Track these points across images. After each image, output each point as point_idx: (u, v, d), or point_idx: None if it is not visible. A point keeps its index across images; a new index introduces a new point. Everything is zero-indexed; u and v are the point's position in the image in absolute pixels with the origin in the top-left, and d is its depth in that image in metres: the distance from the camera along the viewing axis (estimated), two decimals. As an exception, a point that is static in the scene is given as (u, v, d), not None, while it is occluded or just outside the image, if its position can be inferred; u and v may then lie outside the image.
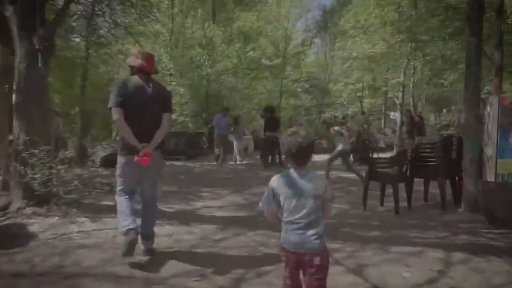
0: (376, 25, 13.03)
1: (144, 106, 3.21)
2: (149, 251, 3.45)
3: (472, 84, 5.02)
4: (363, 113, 16.98)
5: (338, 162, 12.87)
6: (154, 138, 3.22)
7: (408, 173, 5.38)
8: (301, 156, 1.99)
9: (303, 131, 2.11)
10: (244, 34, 17.76)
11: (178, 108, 17.03)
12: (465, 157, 5.13)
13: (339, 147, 7.68)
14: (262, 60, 15.97)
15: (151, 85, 3.29)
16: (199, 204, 5.84)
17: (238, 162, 11.98)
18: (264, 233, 4.09)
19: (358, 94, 23.43)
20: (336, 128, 7.97)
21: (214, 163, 11.91)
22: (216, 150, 12.01)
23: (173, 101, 17.45)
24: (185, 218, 4.86)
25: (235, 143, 12.33)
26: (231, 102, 21.27)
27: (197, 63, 16.33)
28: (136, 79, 3.30)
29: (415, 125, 12.24)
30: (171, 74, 17.01)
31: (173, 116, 18.06)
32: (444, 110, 25.68)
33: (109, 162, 10.44)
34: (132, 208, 3.31)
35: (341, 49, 17.72)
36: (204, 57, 15.93)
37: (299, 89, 21.64)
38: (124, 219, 3.28)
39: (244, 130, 13.87)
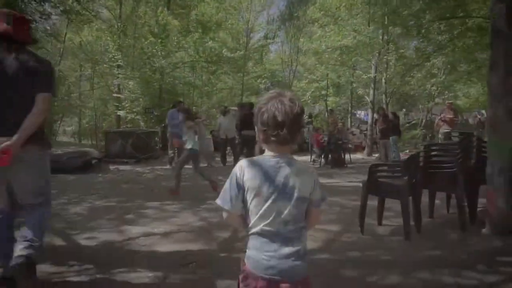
0: (347, 14, 11.93)
1: (2, 85, 2.32)
2: (27, 264, 2.27)
3: (502, 64, 3.81)
4: (331, 111, 15.90)
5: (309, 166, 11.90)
6: (21, 128, 2.28)
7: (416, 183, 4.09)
8: (289, 129, 1.31)
9: (290, 93, 1.41)
10: (202, 24, 16.12)
11: (128, 105, 15.11)
12: (490, 164, 3.93)
13: (189, 145, 6.22)
14: (223, 51, 14.39)
15: (13, 55, 2.35)
16: (136, 230, 4.19)
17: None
18: (232, 285, 2.59)
19: (323, 92, 22.50)
20: (190, 123, 6.37)
21: (168, 167, 10.24)
22: (170, 152, 10.35)
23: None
24: (109, 259, 3.25)
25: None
26: (189, 99, 19.57)
27: (149, 53, 14.49)
28: None
29: (389, 124, 11.28)
30: (119, 66, 15.03)
31: (122, 113, 16.12)
32: (404, 110, 25.45)
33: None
34: (6, 234, 2.48)
35: (307, 43, 16.58)
36: (157, 46, 14.11)
37: (262, 86, 20.23)
38: None
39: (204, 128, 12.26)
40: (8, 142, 2.20)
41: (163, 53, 14.06)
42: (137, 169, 10.07)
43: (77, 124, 21.63)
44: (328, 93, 22.32)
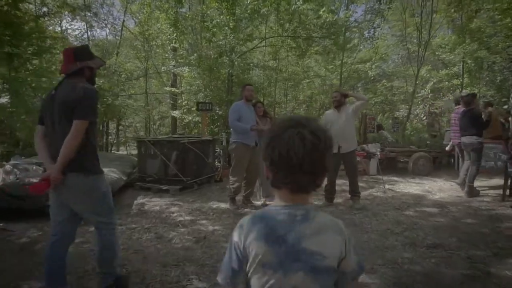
0: None
1: (51, 116, 2.50)
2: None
3: None
4: (488, 104, 9.88)
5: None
6: (59, 156, 2.37)
7: None
8: (309, 172, 1.00)
9: (315, 122, 1.05)
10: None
11: (185, 102, 10.89)
12: None
13: None
14: (321, 12, 9.23)
15: (58, 88, 2.53)
16: None
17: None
18: None
19: (454, 81, 16.01)
20: None
21: (227, 206, 5.58)
22: (232, 180, 5.61)
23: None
24: None
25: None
26: (270, 97, 14.86)
27: (212, 28, 10.06)
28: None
29: None
30: (174, 49, 10.89)
31: (176, 114, 12.00)
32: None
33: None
34: (57, 257, 2.51)
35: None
36: (222, 15, 9.62)
37: (371, 73, 14.30)
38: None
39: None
40: (54, 170, 2.33)
41: (231, 24, 9.49)
42: (173, 209, 5.52)
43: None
44: (463, 82, 15.78)
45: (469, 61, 15.38)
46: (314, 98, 16.96)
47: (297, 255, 0.98)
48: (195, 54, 9.48)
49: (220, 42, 9.71)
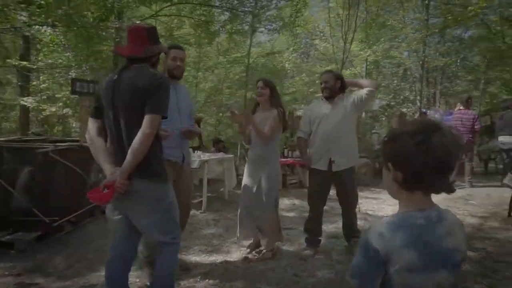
0: None
1: (113, 108, 1.98)
2: None
3: None
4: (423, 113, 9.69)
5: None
6: (126, 159, 1.89)
7: None
8: (445, 173, 1.02)
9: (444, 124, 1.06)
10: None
11: (44, 84, 7.19)
12: None
13: None
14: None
15: (119, 74, 2.01)
16: None
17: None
18: None
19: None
20: None
21: (145, 280, 2.77)
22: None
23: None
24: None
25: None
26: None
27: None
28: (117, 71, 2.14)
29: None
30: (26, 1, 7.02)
31: (29, 103, 7.92)
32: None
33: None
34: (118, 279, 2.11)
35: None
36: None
37: (290, 66, 12.25)
38: None
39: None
40: (119, 175, 1.87)
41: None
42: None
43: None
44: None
45: (368, 63, 15.08)
46: (212, 98, 14.32)
47: (440, 255, 1.00)
48: (63, 8, 5.98)
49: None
